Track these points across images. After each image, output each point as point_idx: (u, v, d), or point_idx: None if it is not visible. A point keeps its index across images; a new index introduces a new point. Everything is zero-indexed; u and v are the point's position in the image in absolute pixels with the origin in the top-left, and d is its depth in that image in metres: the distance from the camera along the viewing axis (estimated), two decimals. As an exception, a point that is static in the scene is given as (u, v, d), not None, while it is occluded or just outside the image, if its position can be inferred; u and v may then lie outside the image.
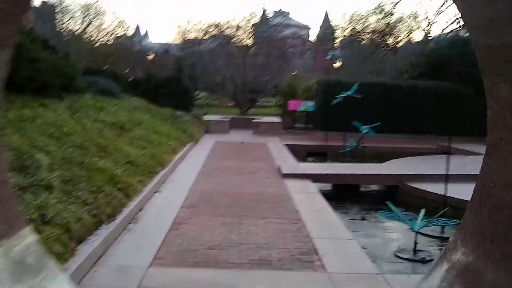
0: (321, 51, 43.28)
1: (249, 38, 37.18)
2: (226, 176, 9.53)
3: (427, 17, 33.31)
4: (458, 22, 23.28)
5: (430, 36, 32.86)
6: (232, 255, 4.95)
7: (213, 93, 34.45)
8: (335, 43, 45.06)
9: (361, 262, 4.93)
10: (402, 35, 38.09)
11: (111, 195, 5.95)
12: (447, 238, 7.16)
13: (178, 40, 40.23)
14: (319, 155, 15.48)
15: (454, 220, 6.39)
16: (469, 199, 6.89)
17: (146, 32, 63.24)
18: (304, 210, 6.96)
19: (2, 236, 2.25)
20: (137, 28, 54.73)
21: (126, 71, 32.29)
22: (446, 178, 7.88)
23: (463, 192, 8.13)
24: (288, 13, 73.60)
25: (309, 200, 7.73)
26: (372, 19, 36.95)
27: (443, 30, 30.90)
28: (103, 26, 37.86)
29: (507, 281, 1.54)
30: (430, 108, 18.02)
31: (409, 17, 35.46)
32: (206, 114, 22.41)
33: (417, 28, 35.38)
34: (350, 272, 4.61)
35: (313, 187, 8.86)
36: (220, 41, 34.85)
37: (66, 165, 5.92)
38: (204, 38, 36.15)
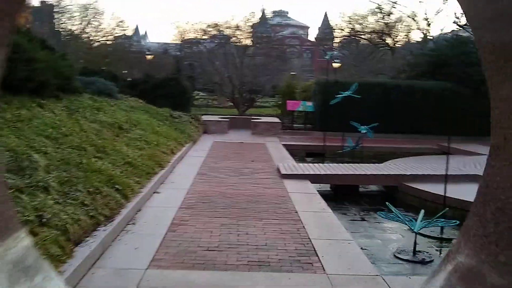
0: (320, 51, 43.31)
1: (248, 38, 37.20)
2: (224, 177, 9.50)
3: (426, 17, 33.23)
4: (458, 22, 23.30)
5: (430, 36, 32.89)
6: (231, 256, 4.92)
7: (211, 93, 34.46)
8: (334, 43, 45.12)
9: (361, 263, 4.90)
10: (401, 35, 38.17)
11: (109, 196, 5.91)
12: (447, 239, 7.16)
13: (176, 40, 40.24)
14: (318, 155, 15.45)
15: (454, 221, 6.37)
16: (468, 200, 6.86)
17: (146, 32, 63.31)
18: (303, 211, 6.93)
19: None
20: (136, 28, 54.73)
21: (125, 71, 32.27)
22: (446, 179, 7.85)
23: (463, 192, 8.16)
24: (287, 12, 73.66)
25: (308, 201, 7.69)
26: (371, 19, 37.04)
27: (441, 30, 30.96)
28: (102, 26, 37.84)
29: (512, 285, 1.51)
30: (429, 108, 18.01)
31: (408, 17, 35.51)
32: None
33: (416, 28, 35.42)
34: (350, 273, 4.57)
35: (312, 188, 8.83)
36: (219, 41, 34.86)
37: (64, 166, 5.87)
38: (203, 38, 36.16)
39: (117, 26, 38.40)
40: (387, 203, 6.88)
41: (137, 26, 55.50)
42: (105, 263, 4.60)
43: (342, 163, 12.10)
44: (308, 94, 22.17)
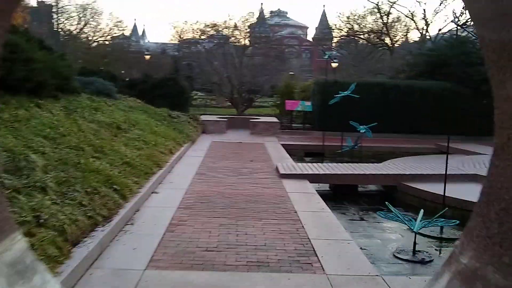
0: (319, 51, 43.35)
1: (247, 38, 37.19)
2: (223, 177, 9.47)
3: (424, 17, 33.26)
4: (457, 22, 23.24)
5: (428, 36, 32.92)
6: (229, 257, 4.89)
7: (209, 93, 34.42)
8: (333, 42, 45.15)
9: (360, 263, 4.88)
10: (400, 35, 38.21)
11: (107, 196, 5.88)
12: (447, 239, 7.15)
13: (175, 40, 40.23)
14: (317, 155, 15.43)
15: (453, 221, 6.36)
16: (468, 199, 6.83)
17: (144, 32, 63.21)
18: (302, 210, 6.90)
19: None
20: (135, 28, 54.67)
21: (123, 71, 32.24)
22: (445, 178, 7.84)
23: (462, 192, 8.15)
24: (286, 12, 73.64)
25: (307, 201, 7.67)
26: (370, 19, 37.07)
27: (440, 29, 30.99)
28: (100, 26, 37.82)
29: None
30: (428, 108, 18.01)
31: (407, 17, 35.55)
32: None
33: (415, 28, 35.45)
34: (349, 273, 4.55)
35: (311, 187, 8.81)
36: (217, 41, 34.83)
37: (62, 166, 5.84)
38: (201, 38, 36.14)
39: (116, 26, 38.43)
40: (386, 202, 6.86)
41: (135, 26, 55.46)
42: (103, 263, 4.57)
43: (341, 162, 12.09)
44: (307, 94, 22.16)
